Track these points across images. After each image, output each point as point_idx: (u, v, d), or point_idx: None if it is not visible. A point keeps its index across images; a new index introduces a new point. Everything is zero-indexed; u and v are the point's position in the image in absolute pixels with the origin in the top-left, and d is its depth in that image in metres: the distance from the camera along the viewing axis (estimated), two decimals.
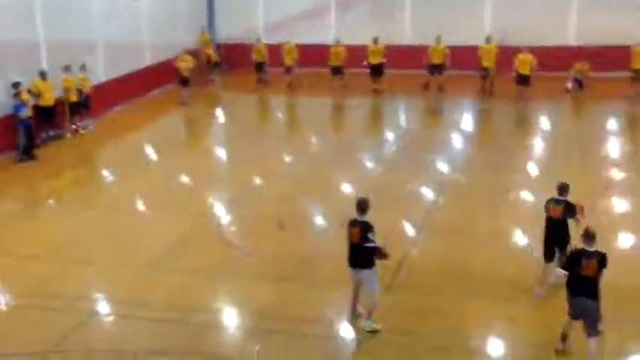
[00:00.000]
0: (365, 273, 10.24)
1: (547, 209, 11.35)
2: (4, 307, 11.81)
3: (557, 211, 11.15)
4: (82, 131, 21.71)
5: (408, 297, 11.56)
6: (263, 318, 11.04)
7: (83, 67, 21.95)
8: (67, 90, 21.18)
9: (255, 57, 27.51)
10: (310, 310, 11.21)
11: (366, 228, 10.11)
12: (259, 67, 27.64)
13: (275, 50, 27.08)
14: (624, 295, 11.29)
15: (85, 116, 22.03)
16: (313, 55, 27.28)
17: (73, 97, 21.36)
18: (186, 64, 25.14)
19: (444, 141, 20.84)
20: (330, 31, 29.27)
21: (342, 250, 13.11)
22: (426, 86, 25.27)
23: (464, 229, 14.25)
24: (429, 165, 18.48)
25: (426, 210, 15.29)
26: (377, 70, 25.53)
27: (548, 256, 11.35)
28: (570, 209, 11.13)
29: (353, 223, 10.29)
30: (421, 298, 11.52)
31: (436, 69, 25.11)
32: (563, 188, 11.30)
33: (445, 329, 10.53)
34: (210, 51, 28.71)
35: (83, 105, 21.84)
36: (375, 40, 25.31)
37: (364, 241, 10.08)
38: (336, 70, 25.95)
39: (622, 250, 13.32)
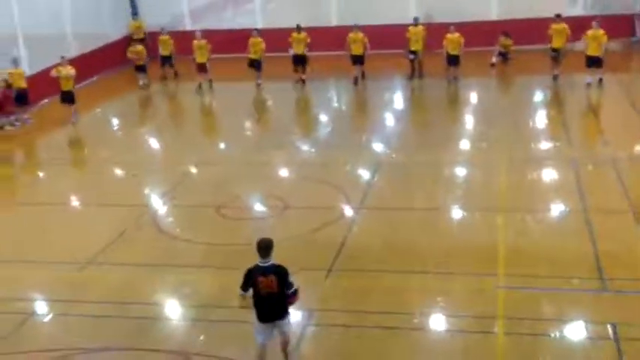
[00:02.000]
0: (286, 321, 8.93)
1: None
2: None
3: None
4: (8, 128, 21.08)
5: (351, 278, 11.64)
6: (207, 308, 10.97)
7: (15, 61, 21.67)
8: None
9: (161, 50, 26.14)
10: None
11: (284, 273, 8.66)
12: (165, 60, 26.16)
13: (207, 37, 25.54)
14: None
15: (19, 111, 21.48)
16: (238, 40, 25.97)
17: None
18: (67, 72, 21.31)
19: (377, 122, 20.98)
20: (256, 15, 28.97)
21: (282, 233, 13.26)
22: (356, 82, 24.20)
23: (401, 206, 14.43)
24: (364, 145, 18.63)
25: (363, 190, 15.39)
26: (300, 60, 24.37)
27: None
28: None
29: (261, 271, 8.62)
30: (364, 278, 11.62)
31: (357, 60, 24.06)
32: None
33: (389, 307, 10.66)
34: (140, 48, 25.79)
35: (18, 99, 21.26)
36: (299, 28, 24.19)
37: (284, 287, 8.67)
38: (254, 63, 24.47)
39: (555, 216, 13.76)
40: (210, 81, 24.93)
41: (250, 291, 8.81)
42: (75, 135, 21.15)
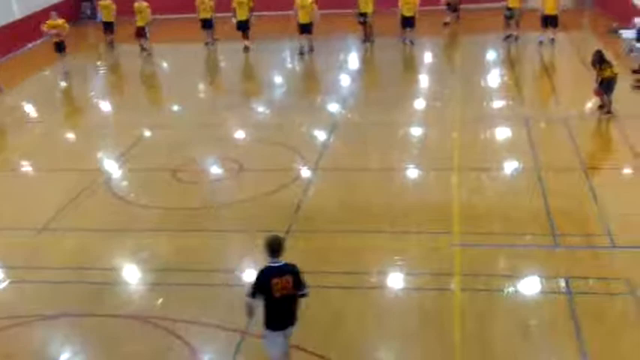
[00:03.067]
0: (293, 328, 7.98)
1: None
2: None
3: None
4: None
5: (309, 239, 11.68)
6: (165, 271, 10.92)
7: None
8: None
9: (103, 16, 24.95)
10: (213, 259, 11.18)
11: (298, 272, 7.78)
12: (107, 27, 24.93)
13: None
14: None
15: None
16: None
17: None
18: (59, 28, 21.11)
19: (331, 83, 20.89)
20: None
21: (239, 195, 13.24)
22: (302, 52, 23.13)
23: (357, 167, 14.49)
24: (319, 106, 18.61)
25: (318, 151, 15.36)
26: (244, 26, 23.68)
27: None
28: None
29: (276, 272, 7.63)
30: (321, 239, 11.68)
31: (305, 29, 22.92)
32: None
33: (347, 267, 10.74)
34: (60, 21, 22.38)
35: None
36: None
37: (299, 288, 7.79)
38: (205, 23, 24.21)
39: (507, 174, 13.97)
40: (146, 49, 24.16)
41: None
42: (21, 99, 20.63)
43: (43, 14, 25.44)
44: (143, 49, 24.16)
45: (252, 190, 13.53)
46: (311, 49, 23.32)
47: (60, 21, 22.10)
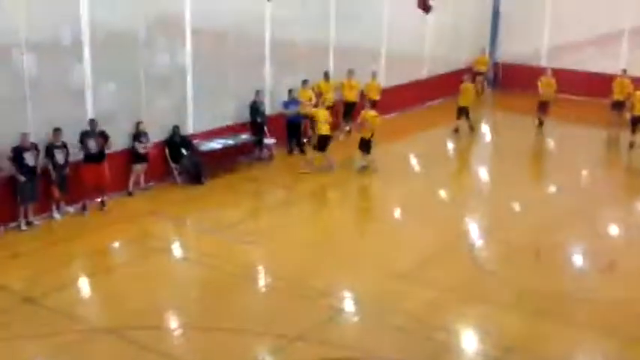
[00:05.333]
0: None
1: None
2: (266, 288, 12.85)
3: None
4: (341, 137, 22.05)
5: None
6: (507, 351, 10.59)
7: (374, 75, 23.27)
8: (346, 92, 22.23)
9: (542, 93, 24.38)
10: (560, 350, 10.58)
11: None
12: (542, 106, 24.38)
13: (564, 76, 25.62)
14: None
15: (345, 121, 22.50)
16: (597, 84, 26.03)
17: (351, 98, 22.19)
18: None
19: None
20: (620, 60, 27.32)
21: (602, 292, 12.33)
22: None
23: None
24: None
25: None
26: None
27: None
28: None
29: None
30: None
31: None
32: None
33: None
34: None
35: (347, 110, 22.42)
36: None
37: None
38: (617, 105, 23.55)
39: None
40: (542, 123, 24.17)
41: None
42: (411, 149, 21.81)
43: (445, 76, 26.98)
44: (541, 122, 24.32)
45: (620, 292, 12.52)
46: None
47: (371, 113, 19.40)
